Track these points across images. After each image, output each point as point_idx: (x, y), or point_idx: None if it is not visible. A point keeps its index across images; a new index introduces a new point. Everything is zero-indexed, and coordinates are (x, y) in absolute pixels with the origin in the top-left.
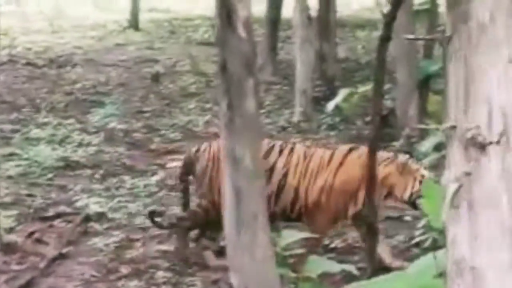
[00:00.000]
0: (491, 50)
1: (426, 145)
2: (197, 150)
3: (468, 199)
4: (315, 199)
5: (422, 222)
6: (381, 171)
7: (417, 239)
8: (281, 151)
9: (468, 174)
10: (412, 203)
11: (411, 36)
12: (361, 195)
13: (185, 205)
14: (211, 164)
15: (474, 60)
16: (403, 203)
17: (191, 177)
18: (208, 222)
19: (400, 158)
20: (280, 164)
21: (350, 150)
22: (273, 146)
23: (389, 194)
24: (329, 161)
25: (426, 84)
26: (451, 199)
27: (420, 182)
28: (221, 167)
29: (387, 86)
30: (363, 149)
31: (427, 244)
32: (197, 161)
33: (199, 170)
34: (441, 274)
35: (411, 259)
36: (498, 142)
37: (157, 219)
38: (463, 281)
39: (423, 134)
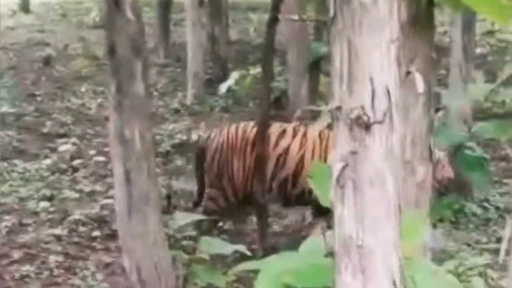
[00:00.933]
0: (373, 31)
1: (316, 127)
2: (208, 137)
3: (354, 179)
4: None
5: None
6: None
7: (309, 219)
8: (294, 135)
9: (353, 153)
10: None
11: (296, 17)
12: None
13: (200, 194)
14: (219, 151)
15: (357, 41)
16: None
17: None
18: (220, 211)
19: None
20: (295, 147)
21: None
22: (285, 130)
23: None
24: None
25: (317, 66)
26: (337, 178)
27: None
28: (230, 154)
29: (279, 68)
30: None
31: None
32: (207, 149)
33: (208, 158)
34: (331, 253)
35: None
36: (382, 122)
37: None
38: (350, 260)
39: (315, 115)
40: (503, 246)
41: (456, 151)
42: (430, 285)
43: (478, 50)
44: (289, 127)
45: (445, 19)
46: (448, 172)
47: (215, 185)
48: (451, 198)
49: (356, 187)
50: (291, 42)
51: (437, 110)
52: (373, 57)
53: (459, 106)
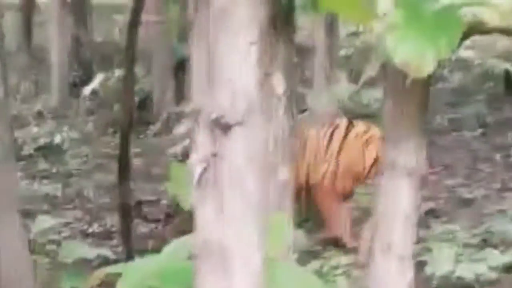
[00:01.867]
0: (233, 33)
1: (181, 128)
2: None
3: (214, 180)
4: (319, 181)
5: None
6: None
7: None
8: None
9: (213, 155)
10: None
11: (156, 19)
12: (364, 174)
13: None
14: None
15: (216, 43)
16: None
17: None
18: None
19: None
20: None
21: (347, 128)
22: None
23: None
24: (329, 141)
25: (182, 67)
26: (197, 180)
27: None
28: None
29: (145, 70)
30: (361, 127)
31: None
32: None
33: None
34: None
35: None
36: (242, 124)
37: None
38: (212, 261)
39: (181, 117)
40: (364, 245)
41: None
42: (292, 285)
43: (343, 52)
44: None
45: (309, 21)
46: None
47: None
48: None
49: (216, 189)
50: (156, 43)
51: (302, 111)
52: (232, 59)
53: (323, 107)
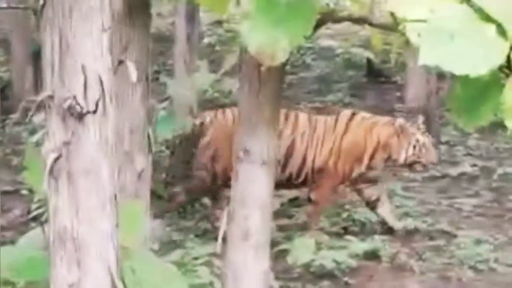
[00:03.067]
0: (84, 19)
1: (41, 117)
2: (202, 123)
3: (68, 169)
4: (322, 163)
5: (39, 195)
6: (383, 134)
7: (34, 213)
8: (286, 119)
9: (67, 144)
10: (409, 166)
11: (5, 6)
12: (366, 157)
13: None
14: (215, 137)
15: (68, 29)
16: (397, 166)
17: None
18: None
19: (398, 121)
20: (287, 132)
21: (353, 114)
22: None
23: (389, 157)
24: (334, 126)
25: (40, 56)
26: (50, 169)
27: (415, 147)
28: (225, 137)
29: (3, 58)
30: (363, 114)
31: (44, 217)
32: (202, 134)
33: (203, 142)
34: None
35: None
36: (95, 111)
37: None
38: (66, 251)
39: (40, 105)
40: (220, 235)
41: (180, 141)
42: (148, 274)
43: (206, 40)
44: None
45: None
46: (432, 156)
47: (207, 167)
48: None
49: (70, 178)
50: (14, 31)
51: (164, 99)
52: (84, 46)
53: (184, 96)
